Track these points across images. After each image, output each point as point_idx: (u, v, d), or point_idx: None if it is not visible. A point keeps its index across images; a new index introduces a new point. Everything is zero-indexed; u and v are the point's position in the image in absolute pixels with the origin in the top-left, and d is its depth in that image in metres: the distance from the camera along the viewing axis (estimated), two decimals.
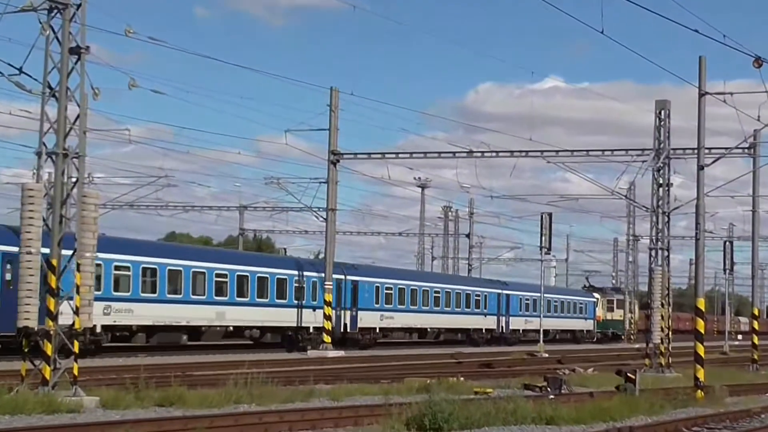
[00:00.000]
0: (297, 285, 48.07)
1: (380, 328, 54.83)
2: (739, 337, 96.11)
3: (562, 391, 26.35)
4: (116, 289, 38.18)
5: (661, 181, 37.89)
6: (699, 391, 25.79)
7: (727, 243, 66.05)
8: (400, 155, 48.50)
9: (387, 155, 47.82)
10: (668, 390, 26.12)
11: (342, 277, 51.11)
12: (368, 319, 53.20)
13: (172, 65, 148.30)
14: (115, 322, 37.97)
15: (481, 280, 72.10)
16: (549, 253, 57.42)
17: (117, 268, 38.19)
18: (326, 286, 46.46)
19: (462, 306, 63.17)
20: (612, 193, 40.24)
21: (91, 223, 20.60)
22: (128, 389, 20.88)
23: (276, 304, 46.75)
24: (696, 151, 27.86)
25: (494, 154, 45.19)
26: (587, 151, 43.45)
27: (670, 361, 37.15)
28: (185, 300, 41.47)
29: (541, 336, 55.94)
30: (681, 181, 52.46)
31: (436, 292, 60.20)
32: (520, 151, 44.60)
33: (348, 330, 51.50)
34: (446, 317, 61.46)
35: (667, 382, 31.69)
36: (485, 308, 65.95)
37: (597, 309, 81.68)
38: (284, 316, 47.19)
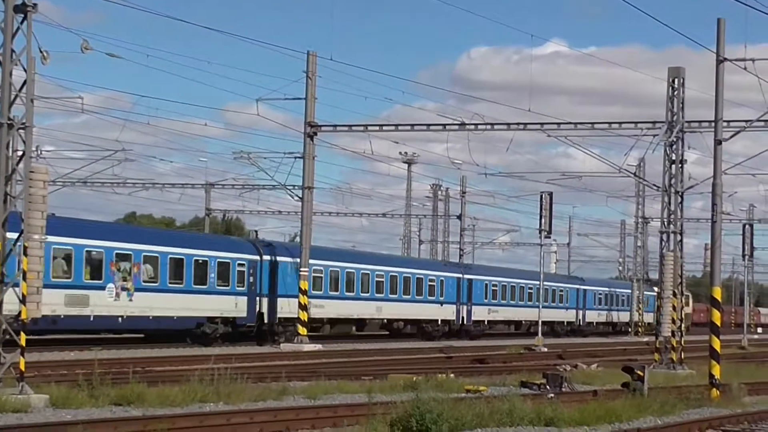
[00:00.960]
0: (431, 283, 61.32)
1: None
2: (759, 330, 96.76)
3: (563, 390, 26.47)
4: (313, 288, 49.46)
5: (674, 158, 37.97)
6: (714, 389, 25.92)
7: (747, 226, 66.34)
8: (384, 128, 48.44)
9: (370, 128, 47.75)
10: (680, 388, 26.24)
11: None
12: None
13: (130, 26, 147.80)
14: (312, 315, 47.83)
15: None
16: (549, 237, 57.51)
17: (315, 271, 49.93)
18: (302, 273, 46.48)
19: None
20: (619, 170, 40.32)
21: (40, 201, 20.53)
22: (81, 386, 20.86)
23: (414, 300, 59.67)
24: (713, 124, 27.91)
25: (489, 126, 45.18)
26: (592, 123, 43.47)
27: (683, 356, 37.32)
28: (356, 297, 54.56)
29: (540, 328, 56.12)
30: (696, 157, 52.65)
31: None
32: (518, 124, 44.60)
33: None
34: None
35: (679, 379, 31.88)
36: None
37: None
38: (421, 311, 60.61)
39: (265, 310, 48.04)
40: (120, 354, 35.42)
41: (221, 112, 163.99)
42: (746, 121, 38.36)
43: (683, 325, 38.35)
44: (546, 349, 50.43)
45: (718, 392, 25.84)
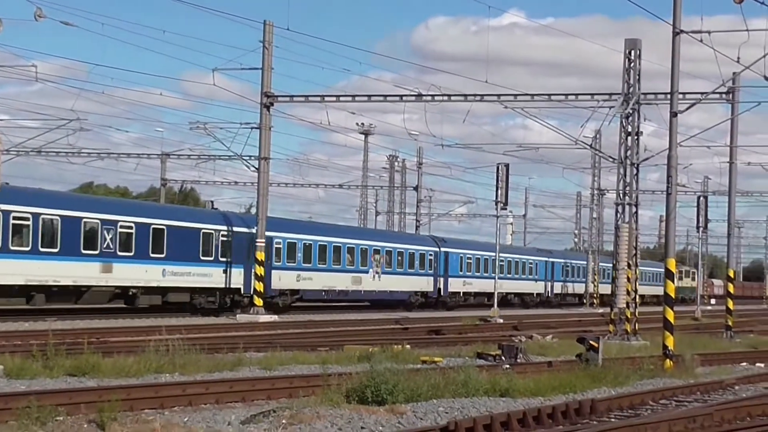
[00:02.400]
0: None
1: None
2: (713, 301, 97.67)
3: (518, 360, 26.66)
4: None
5: (630, 129, 38.14)
6: (668, 360, 26.19)
7: (701, 198, 66.85)
8: (341, 98, 48.35)
9: (327, 98, 47.67)
10: (634, 359, 26.49)
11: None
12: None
13: None
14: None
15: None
16: (505, 209, 57.76)
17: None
18: (258, 244, 46.44)
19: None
20: (576, 142, 40.44)
21: None
22: (36, 357, 20.78)
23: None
24: (669, 96, 28.09)
25: (446, 97, 45.19)
26: (549, 95, 43.58)
27: (637, 327, 37.64)
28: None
29: (496, 300, 56.41)
30: (652, 129, 52.96)
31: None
32: (475, 95, 44.65)
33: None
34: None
35: (633, 350, 32.16)
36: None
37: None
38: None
39: (441, 286, 67.02)
40: (75, 325, 35.27)
41: (177, 82, 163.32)
42: (702, 93, 38.62)
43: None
44: (502, 321, 50.67)
45: (671, 363, 26.11)
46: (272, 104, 46.70)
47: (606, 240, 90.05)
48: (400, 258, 63.12)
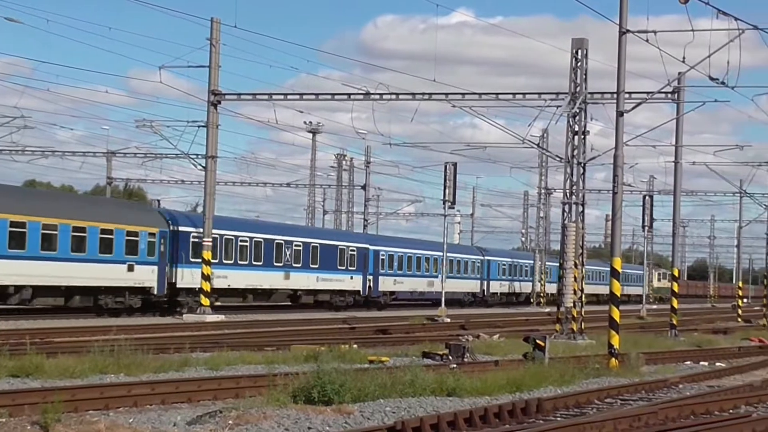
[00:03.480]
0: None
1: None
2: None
3: (465, 360, 26.76)
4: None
5: (576, 129, 38.39)
6: (613, 359, 26.40)
7: (647, 197, 67.40)
8: (289, 97, 48.25)
9: (274, 96, 47.54)
10: (580, 358, 26.69)
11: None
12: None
13: None
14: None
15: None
16: (453, 208, 57.91)
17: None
18: (205, 244, 46.24)
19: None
20: (523, 141, 40.58)
21: None
22: None
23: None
24: (615, 95, 28.30)
25: (394, 96, 45.24)
26: (497, 94, 43.76)
27: (583, 326, 37.90)
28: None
29: (443, 299, 56.53)
30: (599, 128, 53.31)
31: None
32: (423, 94, 44.75)
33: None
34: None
35: (579, 349, 32.39)
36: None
37: (654, 279, 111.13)
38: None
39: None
40: (18, 325, 34.96)
41: (124, 80, 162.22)
42: (648, 93, 38.94)
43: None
44: (449, 320, 50.82)
45: (616, 362, 26.32)
46: (219, 102, 46.53)
47: (553, 239, 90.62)
48: (458, 265, 75.16)
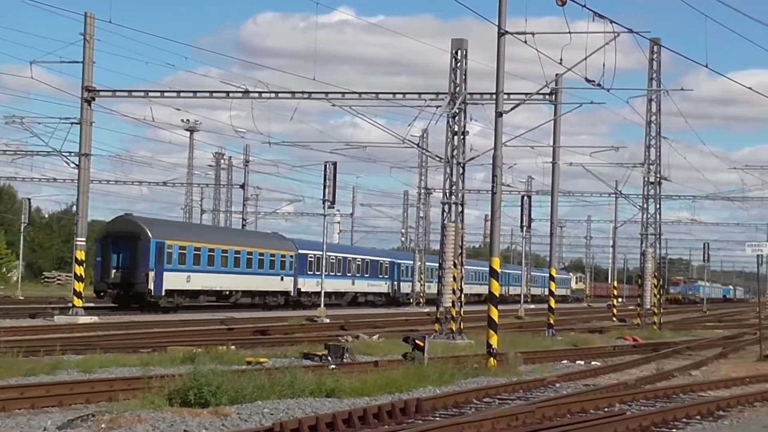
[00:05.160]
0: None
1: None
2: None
3: (345, 360, 26.75)
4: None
5: (456, 129, 38.65)
6: (492, 359, 26.65)
7: (525, 197, 68.22)
8: (165, 94, 47.66)
9: (151, 93, 46.96)
10: (459, 358, 26.87)
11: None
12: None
13: None
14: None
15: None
16: (333, 207, 57.90)
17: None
18: (78, 243, 45.51)
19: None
20: (403, 141, 40.73)
21: None
22: None
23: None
24: (494, 96, 28.56)
25: (274, 94, 45.04)
26: (377, 93, 43.88)
27: (462, 326, 38.18)
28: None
29: (323, 299, 56.49)
30: (479, 129, 53.80)
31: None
32: (303, 92, 44.65)
33: None
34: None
35: (458, 349, 32.63)
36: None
37: (572, 282, 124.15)
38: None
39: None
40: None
41: None
42: (526, 94, 39.41)
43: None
44: (328, 320, 50.80)
45: (495, 361, 26.58)
46: (93, 99, 45.80)
47: (433, 239, 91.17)
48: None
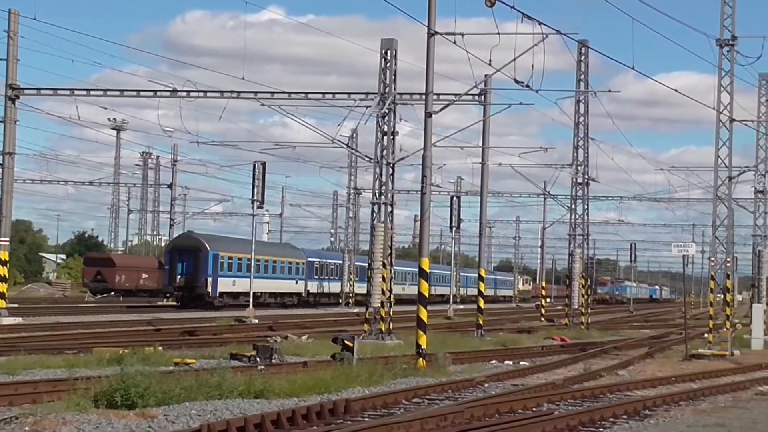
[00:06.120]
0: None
1: None
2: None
3: (273, 361, 26.70)
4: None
5: (386, 129, 38.73)
6: (421, 359, 26.72)
7: (455, 198, 68.51)
8: (92, 92, 47.21)
9: (77, 92, 46.52)
10: (388, 358, 26.91)
11: None
12: None
13: None
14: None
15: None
16: (262, 207, 57.71)
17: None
18: (1, 243, 44.92)
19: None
20: (333, 141, 40.72)
21: None
22: None
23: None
24: (424, 96, 28.64)
25: (202, 94, 44.80)
26: (306, 93, 43.84)
27: (392, 326, 38.26)
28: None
29: (251, 299, 56.29)
30: (409, 129, 53.94)
31: None
32: (232, 92, 44.47)
33: None
34: None
35: (387, 349, 32.68)
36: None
37: (520, 283, 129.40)
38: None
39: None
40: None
41: None
42: (456, 94, 39.57)
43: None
44: (257, 321, 50.61)
45: (424, 362, 26.65)
46: (18, 97, 45.25)
47: (362, 239, 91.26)
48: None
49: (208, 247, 66.49)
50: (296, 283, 78.18)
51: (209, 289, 65.33)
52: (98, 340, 33.91)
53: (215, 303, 65.07)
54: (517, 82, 30.80)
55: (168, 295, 66.83)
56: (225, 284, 67.18)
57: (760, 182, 50.27)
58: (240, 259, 68.49)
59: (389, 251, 38.79)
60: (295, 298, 77.44)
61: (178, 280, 65.77)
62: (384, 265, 38.31)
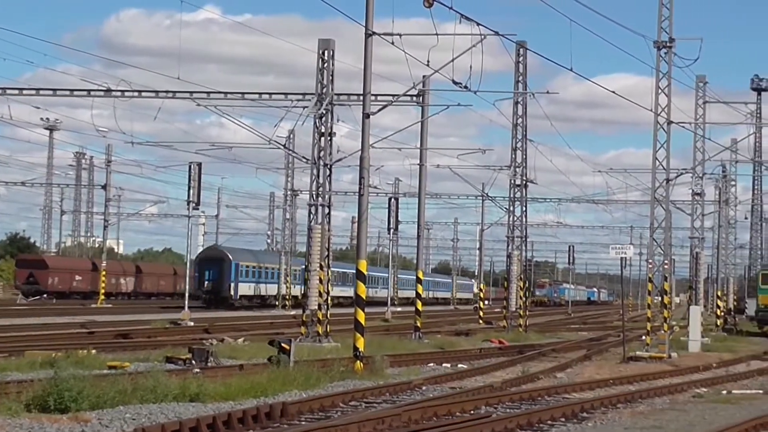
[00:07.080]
0: None
1: None
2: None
3: (209, 364, 26.59)
4: None
5: (323, 130, 38.67)
6: (358, 362, 26.75)
7: (393, 199, 68.62)
8: (24, 91, 46.78)
9: (9, 91, 46.04)
10: (326, 361, 26.92)
11: None
12: None
13: None
14: None
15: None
16: (197, 209, 57.44)
17: None
18: None
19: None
20: (269, 141, 40.61)
21: None
22: None
23: None
24: (362, 97, 28.67)
25: (137, 93, 44.52)
26: (243, 93, 43.71)
27: (329, 329, 38.23)
28: None
29: (186, 302, 55.98)
30: (347, 130, 53.94)
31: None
32: (167, 92, 44.21)
33: None
34: None
35: (324, 352, 32.67)
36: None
37: (474, 287, 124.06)
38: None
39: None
40: None
41: None
42: (393, 95, 39.64)
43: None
44: (193, 324, 50.36)
45: (361, 365, 26.69)
46: None
47: (299, 241, 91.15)
48: None
49: (231, 258, 79.46)
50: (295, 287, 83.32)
51: (232, 293, 78.46)
52: (30, 343, 33.55)
53: (236, 305, 77.28)
54: (455, 83, 30.94)
55: (197, 298, 74.51)
56: (245, 289, 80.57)
57: (697, 184, 50.92)
58: (256, 267, 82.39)
59: (326, 253, 38.76)
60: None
61: (206, 285, 78.19)
62: (321, 267, 38.27)
